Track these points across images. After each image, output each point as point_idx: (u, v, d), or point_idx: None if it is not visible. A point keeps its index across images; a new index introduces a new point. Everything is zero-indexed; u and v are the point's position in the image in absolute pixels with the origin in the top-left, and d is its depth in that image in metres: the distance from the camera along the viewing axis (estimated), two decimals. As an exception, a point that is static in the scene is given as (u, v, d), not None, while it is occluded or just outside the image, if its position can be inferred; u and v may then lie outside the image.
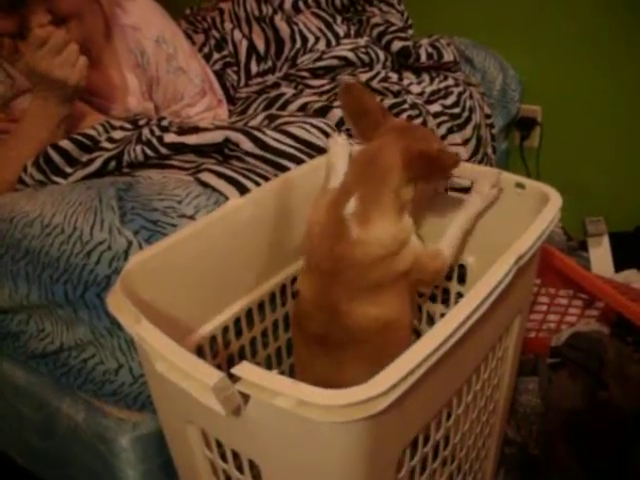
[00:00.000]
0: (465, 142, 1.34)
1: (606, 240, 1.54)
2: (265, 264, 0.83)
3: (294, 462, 0.53)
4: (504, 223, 0.78)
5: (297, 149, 0.96)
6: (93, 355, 0.83)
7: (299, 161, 0.94)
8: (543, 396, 1.03)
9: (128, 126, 1.05)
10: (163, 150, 0.97)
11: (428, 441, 0.61)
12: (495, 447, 0.88)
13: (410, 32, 1.54)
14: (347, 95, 0.77)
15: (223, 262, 0.76)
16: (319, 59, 1.36)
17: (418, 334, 0.94)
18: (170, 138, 0.97)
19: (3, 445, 1.12)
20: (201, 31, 1.48)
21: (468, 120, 1.36)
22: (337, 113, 1.14)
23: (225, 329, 0.79)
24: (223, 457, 0.61)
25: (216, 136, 0.97)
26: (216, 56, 1.39)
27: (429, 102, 1.32)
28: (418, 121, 1.21)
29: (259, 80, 1.37)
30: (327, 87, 1.28)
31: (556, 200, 0.73)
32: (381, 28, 1.47)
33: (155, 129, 1.00)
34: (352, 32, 1.47)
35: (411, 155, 0.70)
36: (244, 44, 1.41)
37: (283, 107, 1.20)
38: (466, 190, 0.84)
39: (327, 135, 0.99)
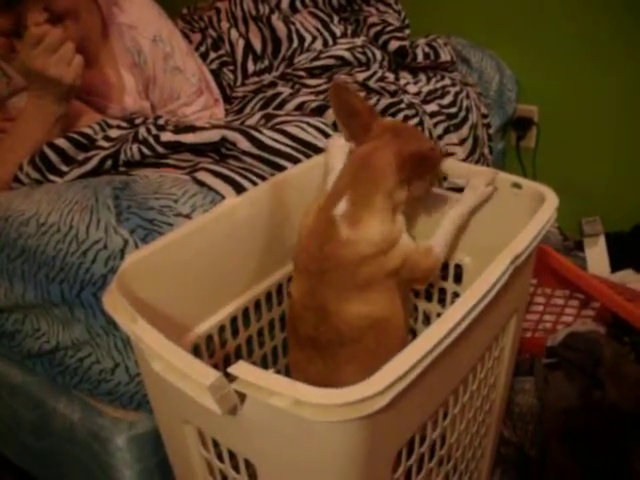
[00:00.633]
0: (462, 142, 1.34)
1: (602, 240, 1.54)
2: (262, 263, 0.83)
3: (290, 461, 0.53)
4: (500, 223, 0.78)
5: (294, 148, 0.96)
6: (89, 354, 0.83)
7: (296, 160, 0.94)
8: (539, 396, 1.03)
9: (125, 125, 1.05)
10: (160, 149, 0.97)
11: (424, 441, 0.61)
12: (491, 447, 0.88)
13: (407, 32, 1.54)
14: (335, 97, 0.76)
15: (220, 261, 0.76)
16: (316, 59, 1.36)
17: (414, 334, 0.94)
18: (167, 137, 0.97)
19: (-2, 444, 1.12)
20: (198, 30, 1.47)
21: (465, 120, 1.36)
22: (334, 113, 1.14)
23: (221, 328, 0.79)
24: (219, 456, 0.61)
25: (213, 135, 0.97)
26: (213, 55, 1.38)
27: (426, 102, 1.32)
28: (415, 121, 1.21)
29: (256, 79, 1.37)
30: (324, 87, 1.28)
31: (552, 200, 0.73)
32: (378, 28, 1.48)
33: (152, 128, 1.00)
34: (349, 32, 1.47)
35: (405, 157, 0.71)
36: (241, 43, 1.41)
37: (280, 106, 1.20)
38: (462, 190, 0.83)
39: (324, 134, 0.99)
